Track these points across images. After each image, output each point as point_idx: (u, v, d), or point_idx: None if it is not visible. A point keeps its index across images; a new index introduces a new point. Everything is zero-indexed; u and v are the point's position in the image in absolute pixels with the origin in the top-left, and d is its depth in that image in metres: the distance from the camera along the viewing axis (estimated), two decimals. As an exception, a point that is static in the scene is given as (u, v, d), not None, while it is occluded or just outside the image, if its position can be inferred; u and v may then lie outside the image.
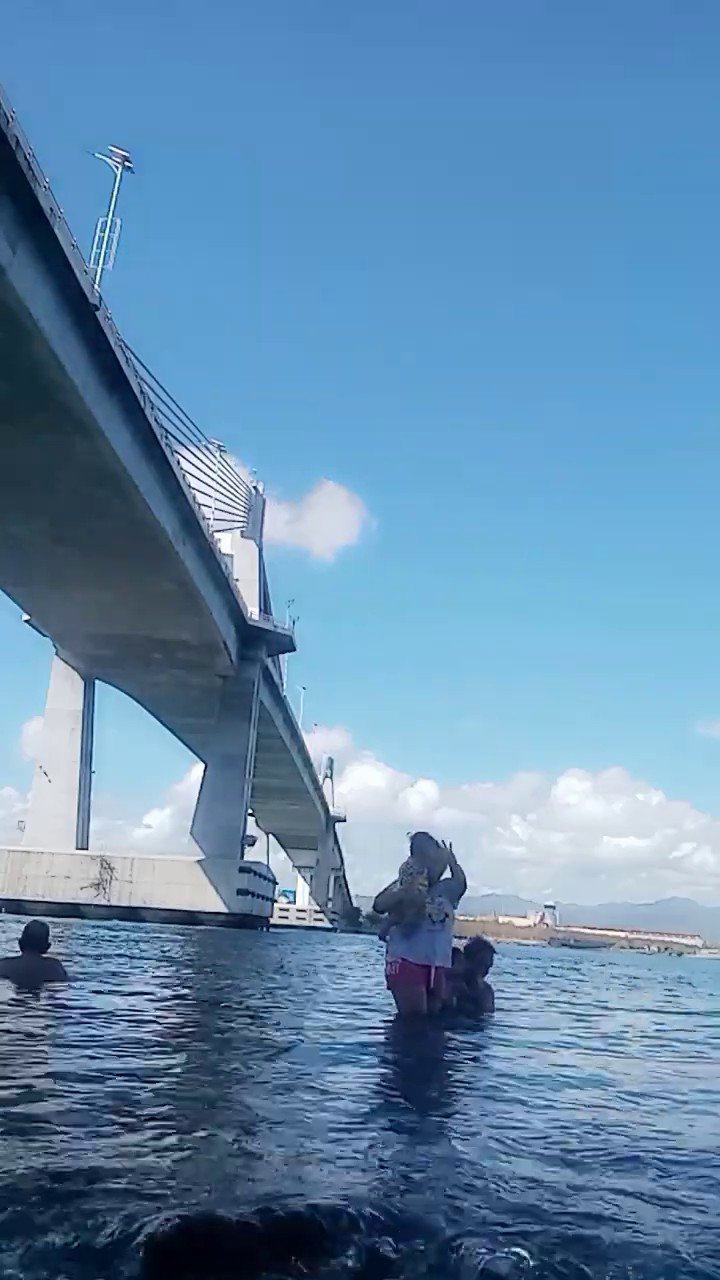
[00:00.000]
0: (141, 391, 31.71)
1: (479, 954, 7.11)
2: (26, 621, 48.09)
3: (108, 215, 32.95)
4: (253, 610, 52.57)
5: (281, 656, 61.15)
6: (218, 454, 49.54)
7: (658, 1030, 7.57)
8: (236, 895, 47.12)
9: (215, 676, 51.14)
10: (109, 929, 26.29)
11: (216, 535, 44.89)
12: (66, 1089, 3.34)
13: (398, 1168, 2.62)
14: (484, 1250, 1.96)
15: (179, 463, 37.84)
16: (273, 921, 59.44)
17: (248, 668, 52.28)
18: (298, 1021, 6.07)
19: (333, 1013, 6.65)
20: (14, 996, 6.02)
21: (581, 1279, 1.88)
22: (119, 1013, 5.78)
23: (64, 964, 7.81)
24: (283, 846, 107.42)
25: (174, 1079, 3.78)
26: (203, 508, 42.13)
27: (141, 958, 12.85)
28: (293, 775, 79.36)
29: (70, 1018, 5.38)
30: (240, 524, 54.12)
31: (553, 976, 16.81)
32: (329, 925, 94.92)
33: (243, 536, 55.03)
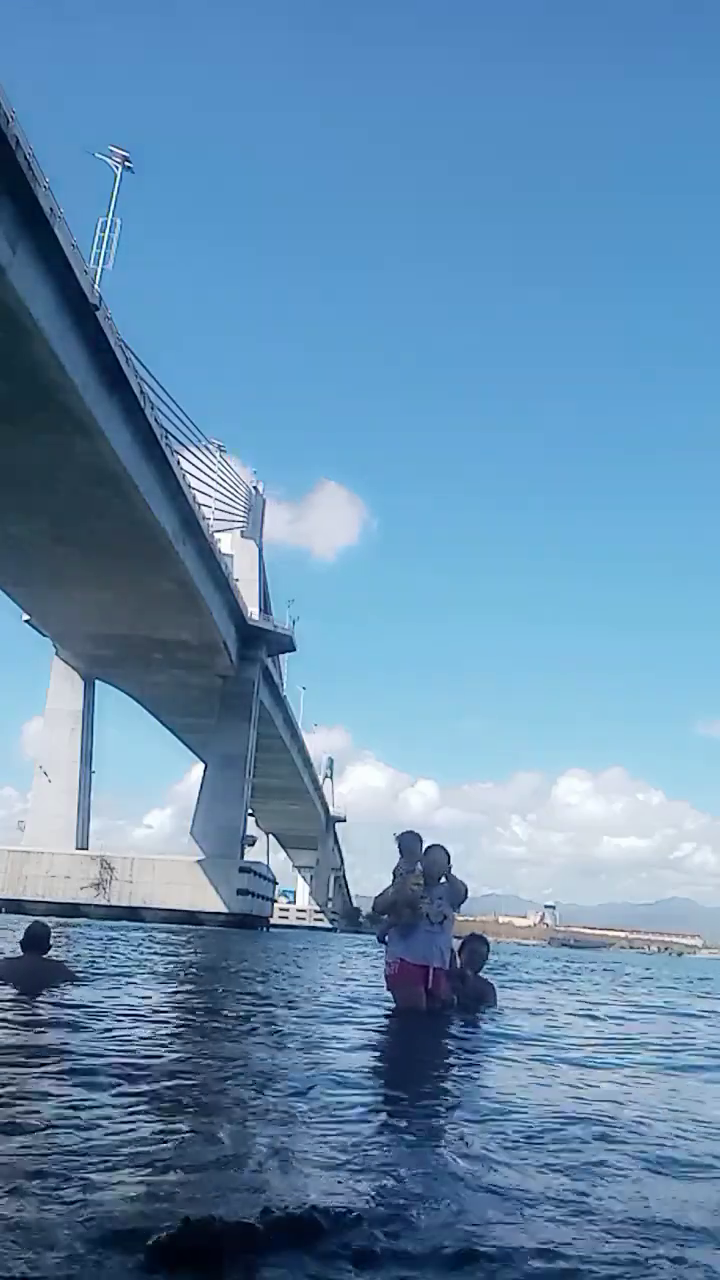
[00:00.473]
0: (141, 391, 31.72)
1: (471, 945, 7.09)
2: (26, 621, 48.10)
3: (108, 215, 33.00)
4: (253, 610, 52.59)
5: (281, 656, 61.16)
6: (218, 454, 49.57)
7: (656, 1030, 7.57)
8: (236, 895, 47.14)
9: (215, 676, 51.15)
10: (109, 929, 26.29)
11: (216, 535, 44.90)
12: (66, 1089, 3.35)
13: (397, 1167, 2.63)
14: (483, 1249, 1.97)
15: (179, 463, 37.85)
16: (273, 921, 59.45)
17: (248, 668, 52.29)
18: (297, 1020, 6.08)
19: (332, 1012, 6.66)
20: (15, 997, 6.02)
21: (580, 1277, 1.89)
22: (119, 1012, 5.78)
23: (65, 964, 7.82)
24: (283, 846, 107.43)
25: (173, 1079, 3.78)
26: (203, 508, 42.14)
27: (141, 958, 12.85)
28: (293, 775, 79.37)
29: (70, 1018, 5.39)
30: (240, 524, 54.14)
31: (552, 976, 16.81)
32: (329, 925, 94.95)
33: (243, 536, 55.05)
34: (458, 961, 6.85)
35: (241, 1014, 6.31)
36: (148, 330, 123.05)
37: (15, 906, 39.90)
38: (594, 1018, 8.20)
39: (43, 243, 23.64)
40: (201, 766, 55.45)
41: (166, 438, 35.33)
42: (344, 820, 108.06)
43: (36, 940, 6.91)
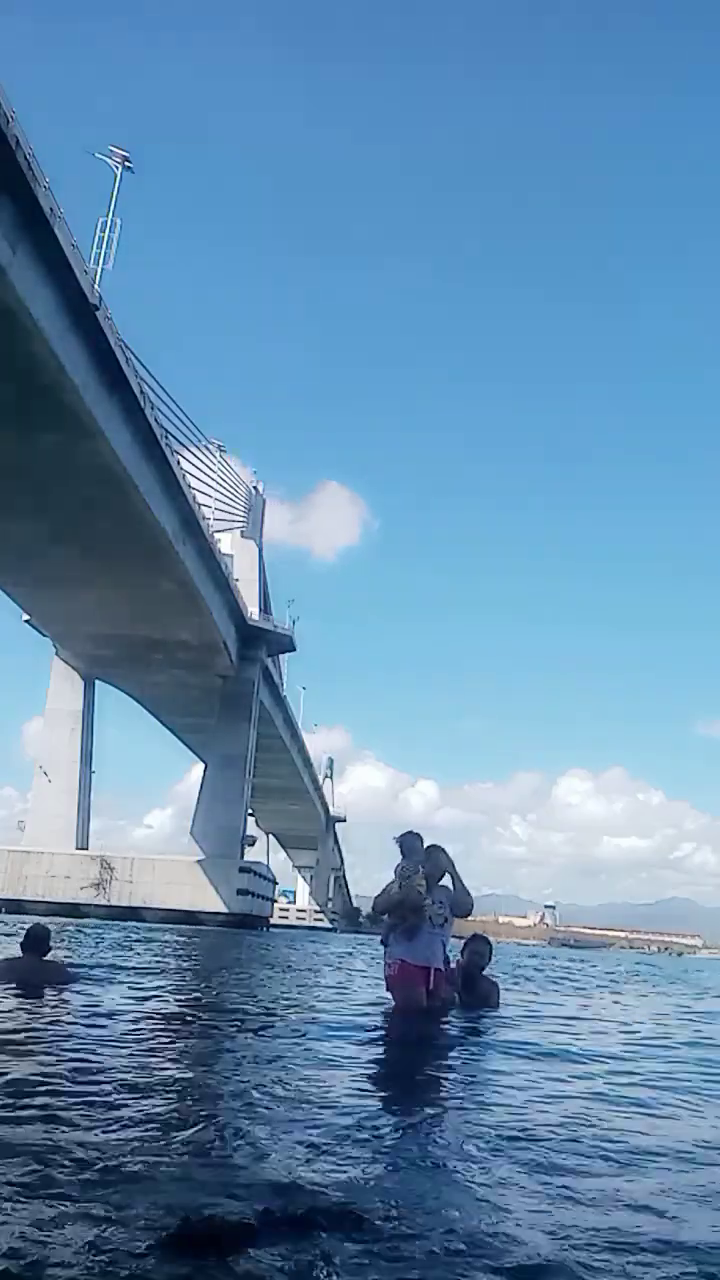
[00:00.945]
0: (141, 391, 31.73)
1: (474, 946, 7.10)
2: (26, 621, 48.09)
3: (108, 215, 32.97)
4: (253, 610, 52.60)
5: (281, 656, 61.16)
6: (218, 454, 49.57)
7: (655, 1028, 7.58)
8: (236, 895, 47.15)
9: (215, 676, 51.15)
10: (109, 929, 26.30)
11: (216, 535, 44.91)
12: (66, 1089, 3.35)
13: (397, 1167, 2.64)
14: (484, 1250, 1.98)
15: (179, 463, 37.85)
16: (273, 921, 59.47)
17: (248, 668, 52.30)
18: (297, 1020, 6.09)
19: (331, 1012, 6.67)
20: (16, 997, 6.03)
21: (577, 1275, 1.90)
22: (119, 1012, 5.79)
23: (65, 965, 7.83)
24: (283, 846, 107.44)
25: (173, 1079, 3.79)
26: (203, 508, 42.15)
27: (141, 958, 12.86)
28: (293, 775, 79.38)
29: (71, 1018, 5.40)
30: (240, 524, 54.15)
31: (552, 976, 16.81)
32: (329, 925, 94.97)
33: (243, 536, 55.06)
34: (452, 964, 6.85)
35: (240, 1013, 6.32)
36: (148, 330, 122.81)
37: (15, 906, 39.93)
38: (594, 1017, 8.21)
39: (43, 243, 23.64)
40: (201, 766, 55.48)
41: (166, 438, 35.34)
42: (344, 820, 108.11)
43: (37, 941, 6.93)
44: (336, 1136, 2.92)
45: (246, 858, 51.13)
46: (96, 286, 27.93)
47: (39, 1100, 3.14)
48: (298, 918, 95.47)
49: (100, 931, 23.06)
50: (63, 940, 13.62)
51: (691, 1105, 3.99)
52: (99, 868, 47.61)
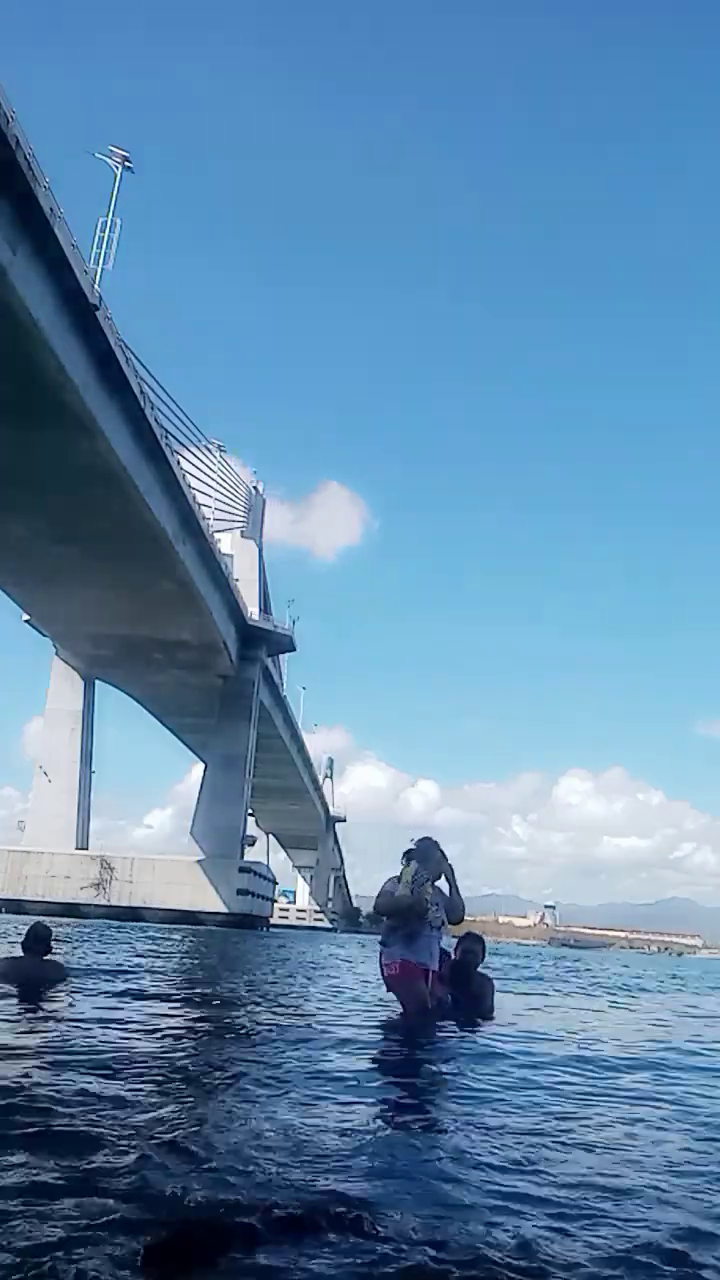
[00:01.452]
0: (141, 391, 31.72)
1: (467, 945, 7.08)
2: (26, 621, 48.10)
3: (108, 215, 33.02)
4: (253, 610, 52.61)
5: (281, 656, 61.18)
6: (218, 454, 49.58)
7: (654, 1029, 7.58)
8: (236, 895, 47.17)
9: (215, 676, 51.17)
10: (109, 929, 26.30)
11: (216, 535, 44.91)
12: (66, 1088, 3.35)
13: (398, 1168, 2.64)
14: (484, 1250, 1.98)
15: (179, 463, 37.85)
16: (273, 921, 59.49)
17: (248, 668, 52.30)
18: (296, 1019, 6.09)
19: (331, 1011, 6.67)
20: (16, 997, 6.03)
21: (573, 1272, 1.90)
22: (119, 1012, 5.79)
23: (65, 965, 7.83)
24: (283, 846, 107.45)
25: (171, 1078, 3.79)
26: (203, 508, 42.15)
27: (142, 958, 12.85)
28: (293, 775, 79.39)
29: (70, 1017, 5.40)
30: (240, 524, 54.15)
31: (552, 977, 16.82)
32: (329, 925, 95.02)
33: (243, 536, 55.08)
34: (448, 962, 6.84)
35: (240, 1013, 6.32)
36: (148, 330, 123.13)
37: (15, 906, 39.94)
38: (594, 1018, 8.21)
39: (43, 243, 23.65)
40: (201, 766, 55.49)
41: (166, 438, 35.33)
42: (344, 820, 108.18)
43: (38, 941, 6.93)
44: (337, 1137, 2.92)
45: (246, 858, 51.14)
46: (96, 286, 27.94)
47: (37, 1101, 3.14)
48: (298, 918, 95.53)
49: (100, 931, 23.06)
50: (63, 941, 13.62)
51: (690, 1106, 3.99)
52: (99, 868, 47.62)
